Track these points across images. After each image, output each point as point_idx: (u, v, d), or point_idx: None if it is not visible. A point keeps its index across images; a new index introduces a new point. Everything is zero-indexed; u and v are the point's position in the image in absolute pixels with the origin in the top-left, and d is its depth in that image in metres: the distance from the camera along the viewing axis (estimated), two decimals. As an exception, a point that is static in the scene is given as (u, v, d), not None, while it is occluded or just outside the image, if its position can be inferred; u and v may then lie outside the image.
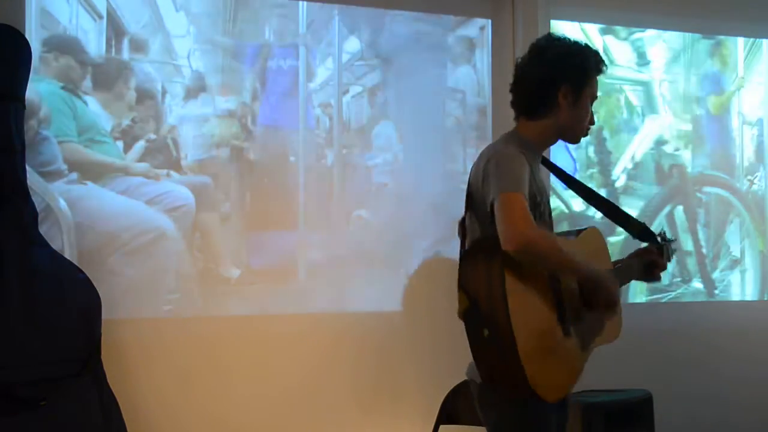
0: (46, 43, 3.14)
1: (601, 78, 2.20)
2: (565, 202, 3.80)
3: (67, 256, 3.00)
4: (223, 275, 3.34)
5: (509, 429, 2.05)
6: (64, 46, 3.16)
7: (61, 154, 3.13)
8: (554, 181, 2.48)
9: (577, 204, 3.80)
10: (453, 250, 2.21)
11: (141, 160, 3.24)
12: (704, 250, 4.14)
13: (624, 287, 2.52)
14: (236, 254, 3.37)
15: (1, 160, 2.79)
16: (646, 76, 4.10)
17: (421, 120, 3.66)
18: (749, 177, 4.25)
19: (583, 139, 2.26)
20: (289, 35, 3.50)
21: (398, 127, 3.62)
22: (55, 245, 2.95)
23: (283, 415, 3.29)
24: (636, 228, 2.50)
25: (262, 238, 3.41)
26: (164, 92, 3.30)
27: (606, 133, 4.00)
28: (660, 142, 4.10)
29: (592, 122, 2.21)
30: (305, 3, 3.50)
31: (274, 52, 3.47)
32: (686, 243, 4.11)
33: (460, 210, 2.16)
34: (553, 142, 2.22)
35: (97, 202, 3.16)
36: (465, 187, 2.13)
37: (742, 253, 4.21)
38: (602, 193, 3.92)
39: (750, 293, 4.23)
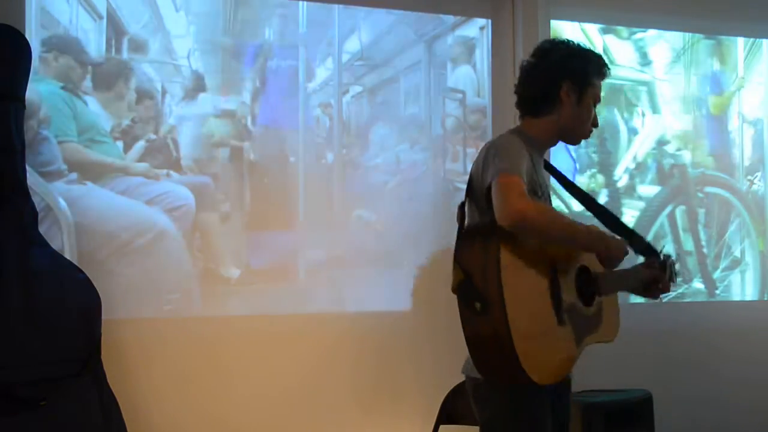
0: (46, 43, 3.14)
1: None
2: (564, 202, 3.80)
3: (67, 256, 3.00)
4: (223, 275, 3.34)
5: (502, 425, 2.06)
6: (64, 46, 3.16)
7: (61, 154, 3.13)
8: (553, 181, 2.48)
9: (577, 203, 3.79)
10: (453, 249, 2.20)
11: (141, 160, 3.25)
12: (705, 250, 4.14)
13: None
14: (236, 254, 3.37)
15: (1, 160, 2.79)
16: (647, 76, 4.10)
17: (421, 120, 3.66)
18: (749, 177, 4.25)
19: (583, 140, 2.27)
20: (289, 35, 3.50)
21: (398, 127, 3.63)
22: (55, 245, 2.95)
23: (283, 415, 3.29)
24: (639, 243, 2.46)
25: (262, 238, 3.40)
26: (164, 92, 3.30)
27: (607, 134, 4.00)
28: (661, 142, 4.10)
29: (596, 124, 2.24)
30: (305, 3, 3.50)
31: (274, 52, 3.47)
32: (687, 243, 4.11)
33: (460, 210, 2.15)
34: (555, 141, 2.25)
35: (97, 202, 3.16)
36: (465, 186, 2.15)
37: (743, 253, 4.21)
38: (604, 193, 3.97)
39: (750, 293, 4.23)
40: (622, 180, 4.02)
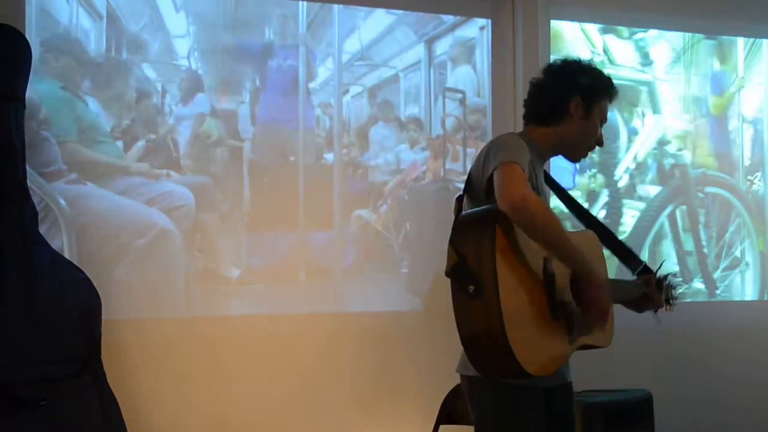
0: (46, 43, 3.14)
1: None
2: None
3: (67, 256, 3.01)
4: (223, 275, 3.34)
5: (496, 423, 2.06)
6: (64, 46, 3.16)
7: (61, 154, 3.13)
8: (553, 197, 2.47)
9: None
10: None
11: (141, 160, 3.25)
12: (705, 250, 4.14)
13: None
14: (236, 254, 3.37)
15: (1, 159, 2.79)
16: (648, 76, 4.10)
17: (421, 120, 3.67)
18: (749, 177, 4.24)
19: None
20: (289, 35, 3.50)
21: (398, 127, 3.63)
22: (55, 245, 2.95)
23: (283, 415, 3.29)
24: (636, 263, 2.45)
25: (262, 238, 3.41)
26: (164, 92, 3.30)
27: (607, 134, 3.99)
28: (662, 142, 4.10)
29: (601, 143, 2.27)
30: (305, 3, 3.50)
31: (274, 52, 3.47)
32: (687, 243, 4.11)
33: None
34: (555, 153, 2.26)
35: (97, 202, 3.16)
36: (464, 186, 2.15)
37: (743, 253, 4.21)
38: (604, 193, 3.97)
39: (750, 293, 4.23)
40: (622, 180, 4.02)
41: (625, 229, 3.99)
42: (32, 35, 3.06)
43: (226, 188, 3.37)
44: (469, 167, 2.18)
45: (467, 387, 2.12)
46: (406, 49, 3.67)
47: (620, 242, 2.48)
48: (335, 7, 3.53)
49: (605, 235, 2.41)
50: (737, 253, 4.20)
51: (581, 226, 2.43)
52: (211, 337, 3.25)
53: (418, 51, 3.68)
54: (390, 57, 3.64)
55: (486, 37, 3.75)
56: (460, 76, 3.74)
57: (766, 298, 4.23)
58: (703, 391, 3.83)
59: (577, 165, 3.87)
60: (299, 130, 3.49)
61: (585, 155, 2.28)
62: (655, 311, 2.43)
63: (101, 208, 3.17)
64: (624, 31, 4.07)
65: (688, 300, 4.05)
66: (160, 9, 3.30)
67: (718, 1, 4.12)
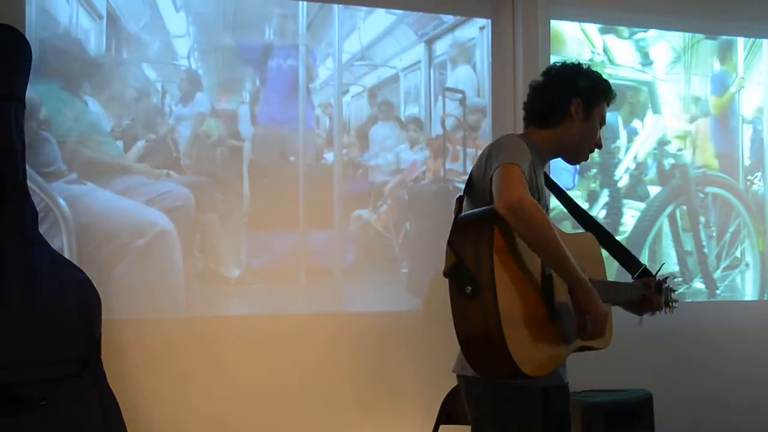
0: (46, 43, 3.14)
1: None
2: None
3: (67, 256, 3.01)
4: (223, 275, 3.34)
5: (493, 424, 2.06)
6: (64, 46, 3.16)
7: (61, 154, 3.13)
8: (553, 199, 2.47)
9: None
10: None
11: (141, 160, 3.25)
12: (705, 250, 4.14)
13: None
14: (236, 254, 3.37)
15: (1, 159, 2.79)
16: (648, 76, 4.10)
17: (421, 120, 3.66)
18: (749, 177, 4.24)
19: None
20: (289, 35, 3.50)
21: (398, 127, 3.63)
22: (55, 245, 2.95)
23: (283, 415, 3.29)
24: (635, 266, 2.46)
25: (262, 238, 3.41)
26: (164, 92, 3.30)
27: (607, 134, 3.99)
28: (662, 142, 4.10)
29: (599, 146, 2.28)
30: (305, 3, 3.50)
31: (274, 52, 3.47)
32: (687, 243, 4.11)
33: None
34: (555, 155, 2.27)
35: (97, 202, 3.16)
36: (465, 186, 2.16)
37: (743, 253, 4.21)
38: (604, 193, 3.97)
39: (750, 293, 4.23)
40: (622, 180, 4.02)
41: (625, 229, 3.99)
42: (32, 35, 3.06)
43: (226, 188, 3.36)
44: (469, 167, 2.19)
45: (464, 387, 2.13)
46: (406, 49, 3.67)
47: (619, 244, 2.48)
48: (335, 7, 3.53)
49: (604, 237, 2.41)
50: (737, 253, 4.20)
51: (581, 228, 2.44)
52: (211, 337, 3.25)
53: (418, 51, 3.69)
54: (390, 57, 3.64)
55: (486, 37, 3.75)
56: (460, 76, 3.74)
57: (766, 298, 4.23)
58: (703, 391, 3.83)
59: (578, 165, 3.87)
60: (299, 130, 3.49)
61: (585, 158, 2.29)
62: (653, 314, 2.43)
63: (101, 208, 3.17)
64: (624, 31, 4.07)
65: (689, 300, 4.06)
66: (160, 9, 3.30)
67: (718, 1, 4.12)
